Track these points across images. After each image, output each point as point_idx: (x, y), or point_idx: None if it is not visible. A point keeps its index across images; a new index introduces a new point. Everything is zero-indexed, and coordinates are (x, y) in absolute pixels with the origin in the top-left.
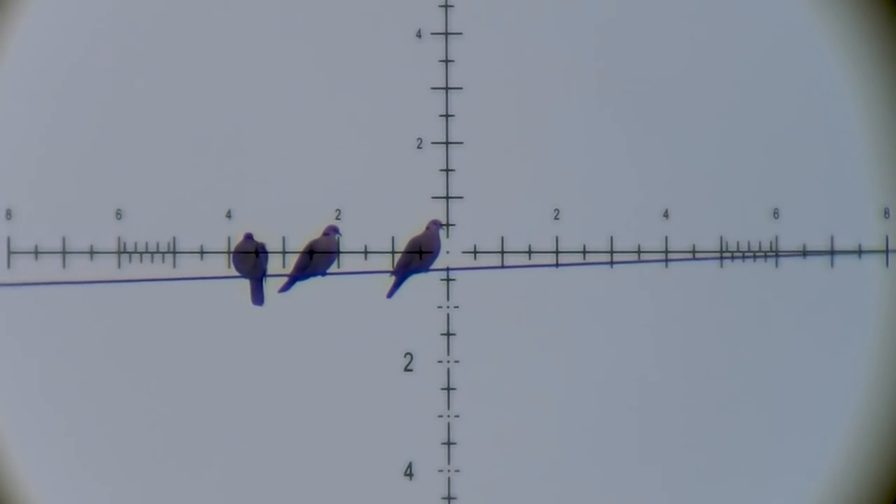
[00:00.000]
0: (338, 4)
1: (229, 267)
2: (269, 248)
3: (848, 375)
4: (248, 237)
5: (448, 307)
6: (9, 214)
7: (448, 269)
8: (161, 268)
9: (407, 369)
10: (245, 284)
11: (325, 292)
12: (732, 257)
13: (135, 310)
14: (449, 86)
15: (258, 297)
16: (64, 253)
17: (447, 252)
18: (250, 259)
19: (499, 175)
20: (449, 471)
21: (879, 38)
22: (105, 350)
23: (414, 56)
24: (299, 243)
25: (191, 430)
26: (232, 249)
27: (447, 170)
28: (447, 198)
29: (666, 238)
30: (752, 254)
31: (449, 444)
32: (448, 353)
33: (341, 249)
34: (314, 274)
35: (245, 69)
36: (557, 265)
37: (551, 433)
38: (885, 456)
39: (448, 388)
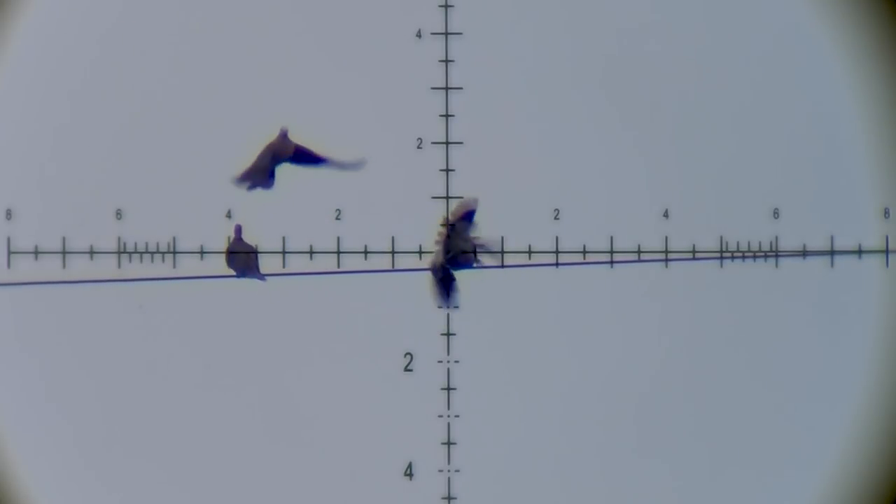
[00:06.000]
0: (338, 4)
1: (228, 266)
2: (266, 248)
3: (848, 375)
4: (238, 238)
5: (448, 307)
6: (9, 214)
7: (448, 269)
8: (161, 268)
9: (407, 369)
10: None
11: (325, 292)
12: (732, 257)
13: (133, 310)
14: (449, 86)
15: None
16: (64, 253)
17: (447, 252)
18: (242, 260)
19: (499, 175)
20: (449, 471)
21: (879, 38)
22: (105, 350)
23: (414, 56)
24: (299, 243)
25: (190, 429)
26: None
27: (447, 170)
28: (447, 198)
29: (666, 238)
30: (752, 254)
31: (449, 444)
32: (448, 353)
33: (341, 249)
34: (278, 162)
35: (245, 69)
36: (557, 265)
37: (552, 433)
38: (886, 456)
39: (448, 388)
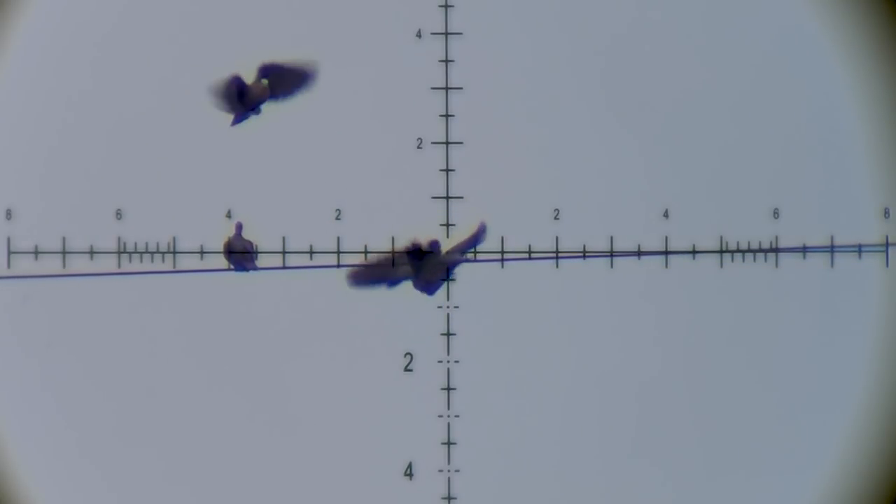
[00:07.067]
0: (337, 4)
1: (229, 267)
2: (266, 248)
3: (848, 375)
4: (238, 235)
5: (448, 307)
6: (9, 214)
7: (448, 269)
8: (161, 268)
9: (407, 369)
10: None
11: (324, 291)
12: (732, 257)
13: (134, 308)
14: (449, 86)
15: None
16: (64, 253)
17: (447, 252)
18: (240, 258)
19: (499, 175)
20: (449, 471)
21: (879, 38)
22: (103, 346)
23: (414, 56)
24: (299, 243)
25: (188, 429)
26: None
27: (447, 170)
28: (447, 198)
29: (666, 238)
30: (751, 253)
31: (449, 444)
32: (448, 353)
33: (341, 249)
34: (252, 110)
35: (244, 69)
36: (558, 265)
37: (552, 433)
38: (886, 456)
39: (448, 388)
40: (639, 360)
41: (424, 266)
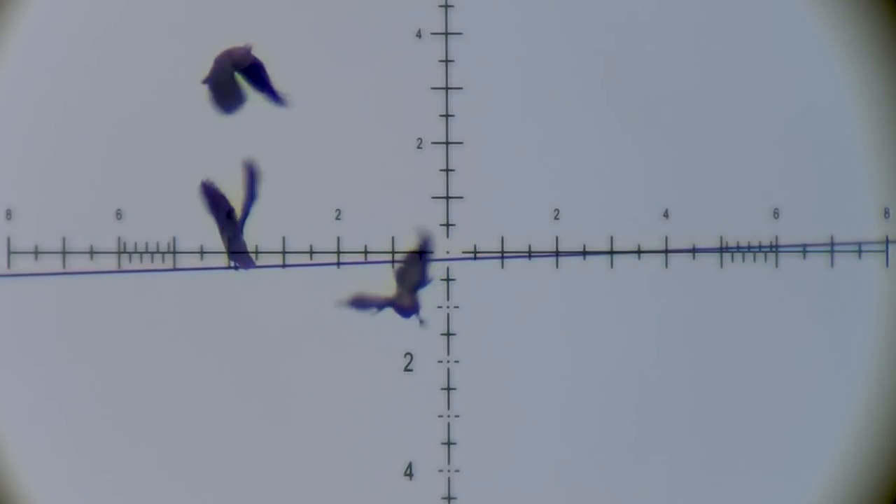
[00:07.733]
0: (337, 4)
1: (230, 264)
2: (266, 248)
3: (848, 375)
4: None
5: (448, 307)
6: (9, 214)
7: (448, 269)
8: (161, 268)
9: (407, 369)
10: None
11: (324, 291)
12: (732, 257)
13: (133, 308)
14: (449, 86)
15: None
16: (64, 253)
17: (447, 252)
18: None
19: (499, 175)
20: (449, 471)
21: (879, 37)
22: (103, 345)
23: (414, 56)
24: (299, 243)
25: (188, 429)
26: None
27: (447, 170)
28: (447, 198)
29: (666, 238)
30: (751, 253)
31: (449, 444)
32: (448, 353)
33: (341, 249)
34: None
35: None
36: (558, 265)
37: (552, 433)
38: (886, 456)
39: (448, 388)
40: (639, 359)
41: (413, 272)
